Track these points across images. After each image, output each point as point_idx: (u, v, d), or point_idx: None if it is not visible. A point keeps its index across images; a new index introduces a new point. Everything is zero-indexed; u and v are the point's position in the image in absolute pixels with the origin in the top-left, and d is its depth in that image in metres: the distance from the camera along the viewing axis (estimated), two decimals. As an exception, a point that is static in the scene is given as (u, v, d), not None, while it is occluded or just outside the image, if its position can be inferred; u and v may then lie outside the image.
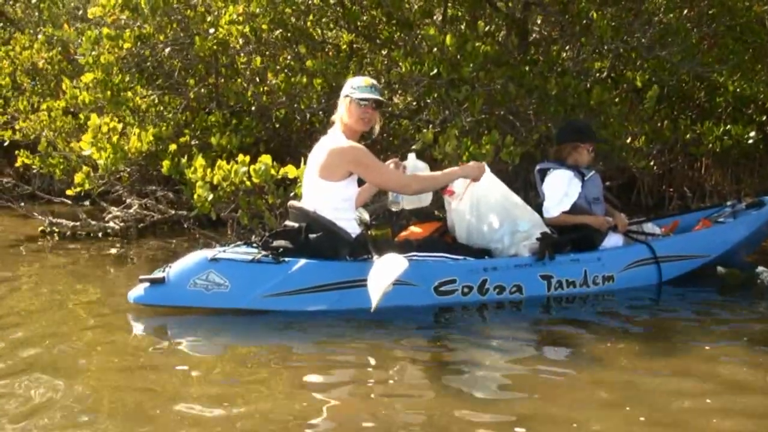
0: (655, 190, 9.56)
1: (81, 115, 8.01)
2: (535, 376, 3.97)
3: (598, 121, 6.74)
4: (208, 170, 6.00)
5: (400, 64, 6.42)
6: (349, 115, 5.05)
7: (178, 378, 3.92)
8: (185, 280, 4.89)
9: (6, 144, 9.85)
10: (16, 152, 8.90)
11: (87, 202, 9.32)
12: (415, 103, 7.69)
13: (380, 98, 5.13)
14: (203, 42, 7.21)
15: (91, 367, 4.07)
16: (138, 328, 4.78)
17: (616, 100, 7.17)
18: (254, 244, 5.17)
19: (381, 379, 3.96)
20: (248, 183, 5.94)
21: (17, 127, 9.22)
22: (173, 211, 8.30)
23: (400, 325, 4.79)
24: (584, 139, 5.85)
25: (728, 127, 7.35)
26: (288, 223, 5.24)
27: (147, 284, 4.96)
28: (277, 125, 8.20)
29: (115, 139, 6.69)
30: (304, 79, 6.55)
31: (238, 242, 5.43)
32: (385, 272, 4.47)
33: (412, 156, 5.41)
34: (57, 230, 8.10)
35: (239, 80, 7.79)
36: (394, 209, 5.46)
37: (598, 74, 7.94)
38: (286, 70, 7.02)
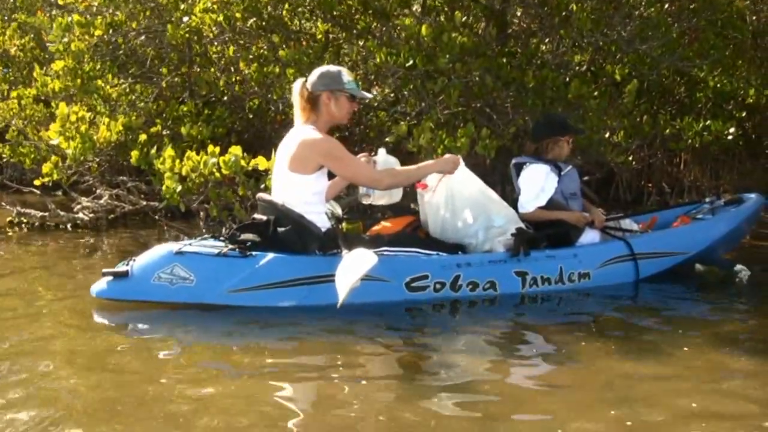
0: (633, 186, 9.48)
1: (53, 104, 7.82)
2: (508, 376, 3.86)
3: (576, 115, 6.63)
4: (177, 161, 5.85)
5: (375, 54, 6.27)
6: (339, 109, 4.95)
7: (140, 377, 3.76)
8: (149, 274, 4.75)
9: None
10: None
11: (60, 192, 9.16)
12: (392, 95, 7.57)
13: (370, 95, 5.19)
14: (175, 30, 7.06)
15: (49, 366, 3.89)
16: (100, 324, 4.63)
17: (595, 93, 7.05)
18: (222, 238, 5.03)
19: (348, 378, 3.82)
20: (218, 174, 5.80)
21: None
22: (145, 203, 8.15)
23: (369, 322, 4.66)
24: (564, 131, 5.75)
25: (708, 122, 7.25)
26: (256, 216, 5.10)
27: (110, 278, 4.81)
28: (251, 116, 8.06)
29: (83, 128, 6.53)
30: (277, 69, 6.40)
31: (206, 235, 5.29)
32: (353, 268, 4.34)
33: (382, 151, 5.30)
34: (25, 221, 7.92)
35: (213, 69, 7.64)
36: (364, 202, 5.35)
37: (577, 68, 7.85)
38: (259, 60, 6.85)
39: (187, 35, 7.17)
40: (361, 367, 4.01)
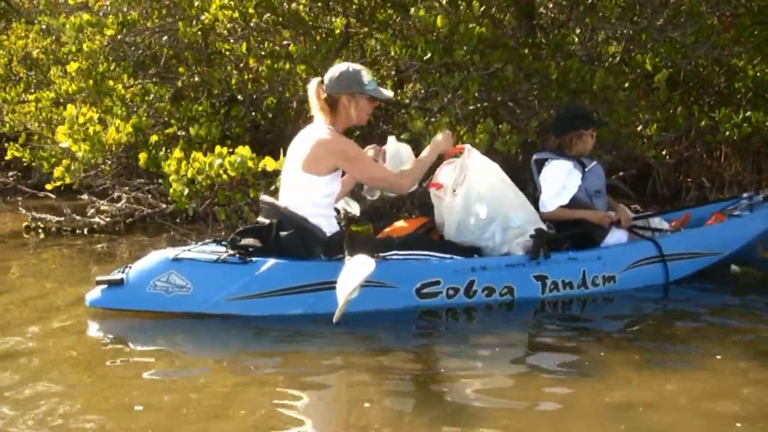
0: (671, 181, 9.05)
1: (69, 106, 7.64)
2: (525, 388, 3.57)
3: (603, 107, 6.28)
4: (184, 163, 5.62)
5: (390, 48, 5.99)
6: (359, 111, 4.71)
7: (135, 391, 3.55)
8: (145, 282, 4.52)
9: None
10: (6, 145, 8.61)
11: (85, 196, 8.99)
12: (422, 91, 7.28)
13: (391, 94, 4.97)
14: (187, 28, 6.83)
15: (41, 378, 3.68)
16: (95, 336, 4.42)
17: (626, 85, 6.68)
18: (224, 243, 4.78)
19: (354, 391, 3.61)
20: (225, 176, 5.56)
21: (7, 119, 8.90)
22: (164, 205, 7.94)
23: (377, 331, 4.40)
24: (588, 124, 5.42)
25: (748, 113, 6.84)
26: (260, 219, 4.85)
27: (105, 286, 4.59)
28: (270, 115, 7.82)
29: (91, 130, 6.33)
30: (287, 66, 6.13)
31: (207, 240, 5.06)
32: (349, 277, 4.06)
33: (392, 139, 4.97)
34: (42, 226, 7.76)
35: (229, 67, 7.42)
36: (370, 198, 5.07)
37: (611, 59, 7.48)
38: (272, 56, 6.60)
39: (199, 32, 6.94)
40: (368, 379, 3.75)
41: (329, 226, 4.65)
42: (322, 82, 4.72)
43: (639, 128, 6.76)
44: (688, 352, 4.04)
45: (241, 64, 7.00)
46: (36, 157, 8.43)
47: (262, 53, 6.65)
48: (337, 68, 4.75)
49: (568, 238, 5.18)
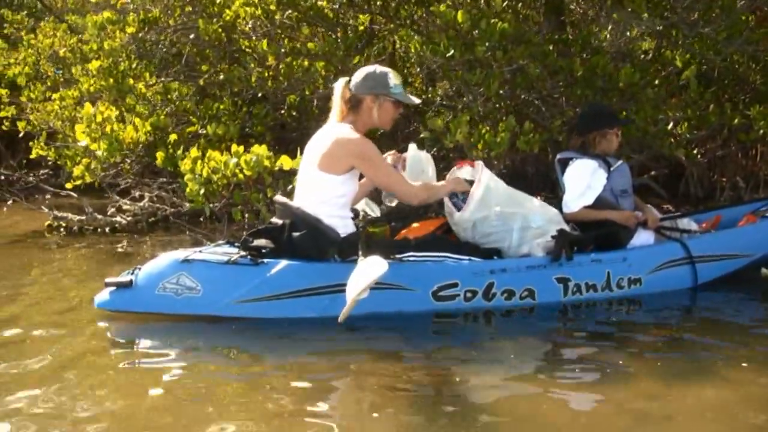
0: (705, 180, 8.80)
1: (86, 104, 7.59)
2: (544, 398, 3.41)
3: (631, 105, 6.09)
4: (199, 162, 5.51)
5: (409, 44, 5.85)
6: (382, 114, 4.60)
7: (143, 397, 3.45)
8: (154, 284, 4.42)
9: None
10: (31, 143, 8.58)
11: (116, 195, 8.93)
12: (453, 90, 7.13)
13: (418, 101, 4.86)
14: (208, 25, 6.74)
15: (49, 382, 3.60)
16: (107, 337, 4.34)
17: (656, 81, 6.47)
18: (237, 244, 4.67)
19: (365, 398, 3.48)
20: (241, 176, 5.45)
21: (32, 117, 8.88)
22: (188, 204, 7.85)
23: (391, 336, 4.27)
24: (613, 123, 5.24)
25: (783, 111, 6.60)
26: (273, 220, 4.74)
27: (113, 288, 4.49)
28: (294, 113, 7.70)
29: (108, 128, 6.25)
30: (306, 63, 6.01)
31: (220, 241, 4.95)
32: (359, 277, 3.92)
33: (413, 146, 4.88)
34: (64, 225, 7.72)
35: (252, 65, 7.31)
36: (388, 203, 4.95)
37: (643, 56, 7.28)
38: (293, 53, 6.47)
39: (220, 30, 6.84)
40: (381, 385, 3.59)
41: (344, 227, 4.53)
42: (349, 82, 4.61)
43: (669, 126, 6.55)
44: (714, 360, 3.84)
45: (263, 62, 6.88)
46: (61, 156, 8.39)
47: (283, 50, 6.52)
48: (365, 69, 4.67)
49: (592, 239, 5.01)
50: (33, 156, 8.66)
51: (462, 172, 4.88)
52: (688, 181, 8.73)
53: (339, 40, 6.33)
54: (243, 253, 4.48)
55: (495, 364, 3.89)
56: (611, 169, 5.12)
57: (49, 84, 9.54)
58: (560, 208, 5.05)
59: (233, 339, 4.24)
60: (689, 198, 8.62)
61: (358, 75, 4.60)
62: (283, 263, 4.39)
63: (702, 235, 5.25)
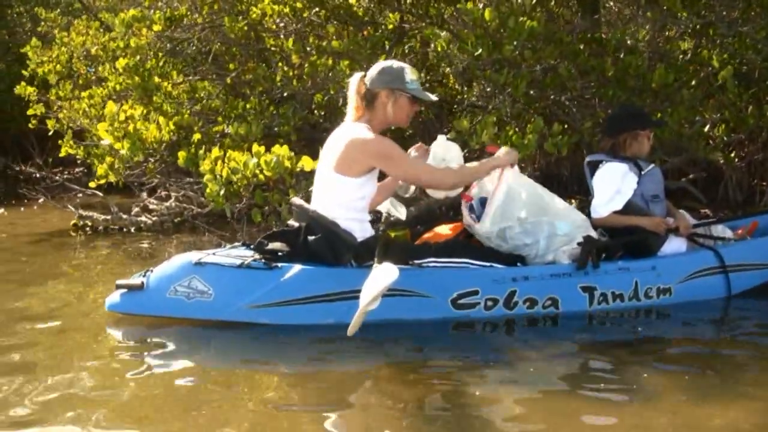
0: (744, 184, 8.53)
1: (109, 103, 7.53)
2: (565, 413, 3.24)
3: (665, 106, 5.88)
4: (220, 163, 5.41)
5: (435, 43, 5.70)
6: (397, 110, 4.43)
7: (151, 406, 3.35)
8: (165, 287, 4.32)
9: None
10: (60, 141, 8.56)
11: (145, 194, 8.88)
12: (488, 89, 6.96)
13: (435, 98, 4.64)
14: (233, 23, 6.64)
15: (56, 385, 3.53)
16: (114, 342, 4.22)
17: (693, 82, 6.25)
18: (252, 247, 4.55)
19: (379, 413, 3.32)
20: (261, 176, 5.33)
21: (60, 116, 8.87)
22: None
23: (407, 344, 4.12)
24: (645, 124, 5.05)
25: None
26: (290, 222, 4.62)
27: (124, 290, 4.40)
28: (323, 112, 7.58)
29: (131, 127, 6.17)
30: (330, 61, 5.87)
31: (236, 243, 4.84)
32: (371, 285, 3.78)
33: (442, 137, 4.69)
34: (89, 224, 7.67)
35: (281, 63, 7.20)
36: (403, 195, 4.79)
37: (682, 56, 7.05)
38: (318, 52, 6.34)
39: (246, 28, 6.74)
40: (396, 397, 3.44)
41: (362, 230, 4.39)
42: (364, 77, 4.47)
43: (706, 128, 6.32)
44: (747, 377, 3.64)
45: (288, 61, 6.77)
46: (90, 154, 8.35)
47: (308, 48, 6.39)
48: (381, 64, 4.54)
49: (621, 246, 4.82)
50: (62, 154, 8.63)
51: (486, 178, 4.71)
52: (727, 185, 8.48)
53: (365, 39, 6.18)
54: (257, 256, 4.36)
55: (514, 378, 3.72)
56: (642, 172, 4.93)
57: (81, 82, 9.53)
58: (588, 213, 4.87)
59: (245, 345, 4.13)
60: (728, 202, 8.36)
61: (374, 69, 4.46)
62: (297, 268, 4.27)
63: (736, 242, 5.03)
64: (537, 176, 7.85)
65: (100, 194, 7.85)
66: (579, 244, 4.55)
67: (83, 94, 8.36)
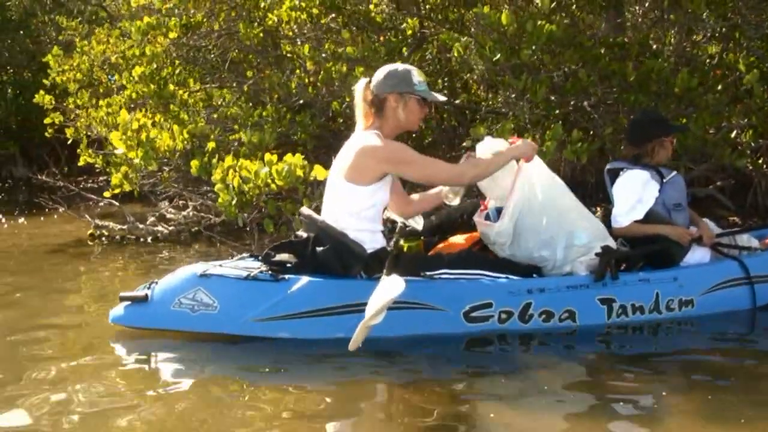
0: (775, 192, 8.30)
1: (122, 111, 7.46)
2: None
3: (689, 112, 5.70)
4: (231, 172, 5.30)
5: (453, 49, 5.57)
6: (408, 113, 4.27)
7: (151, 423, 3.25)
8: (170, 299, 4.22)
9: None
10: (78, 150, 8.51)
11: (165, 204, 8.81)
12: (513, 96, 6.81)
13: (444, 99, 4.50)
14: (248, 29, 6.54)
15: (52, 402, 3.43)
16: (117, 357, 4.12)
17: (719, 87, 6.05)
18: (259, 258, 4.44)
19: (388, 428, 3.23)
20: (273, 186, 5.22)
21: (78, 124, 8.83)
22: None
23: (417, 359, 3.98)
24: (669, 130, 4.88)
25: None
26: (299, 233, 4.49)
27: (128, 302, 4.30)
28: (341, 119, 7.46)
29: (144, 136, 6.09)
30: (344, 68, 5.75)
31: (244, 254, 4.72)
32: (374, 299, 3.65)
33: (488, 138, 4.52)
34: (106, 233, 7.61)
35: (298, 70, 7.09)
36: (448, 203, 4.62)
37: (708, 60, 6.86)
38: (333, 58, 6.22)
39: (261, 35, 6.64)
40: (400, 419, 3.33)
41: (372, 241, 4.25)
42: (370, 82, 4.33)
43: (733, 134, 6.12)
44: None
45: (303, 68, 6.66)
46: (109, 163, 8.29)
47: (323, 55, 6.27)
48: (386, 68, 4.36)
49: (641, 256, 4.65)
50: (81, 163, 8.58)
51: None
52: (756, 192, 8.25)
53: (380, 45, 6.05)
54: (264, 267, 4.24)
55: (528, 393, 3.56)
56: (664, 180, 4.76)
57: (101, 91, 9.49)
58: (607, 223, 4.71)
59: (251, 359, 4.02)
60: (757, 210, 8.12)
61: (379, 74, 4.30)
62: (305, 279, 4.14)
63: (762, 252, 4.83)
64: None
65: (117, 203, 7.77)
66: (597, 254, 4.39)
67: (101, 102, 8.31)
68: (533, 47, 5.30)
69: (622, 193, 4.76)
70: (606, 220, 4.84)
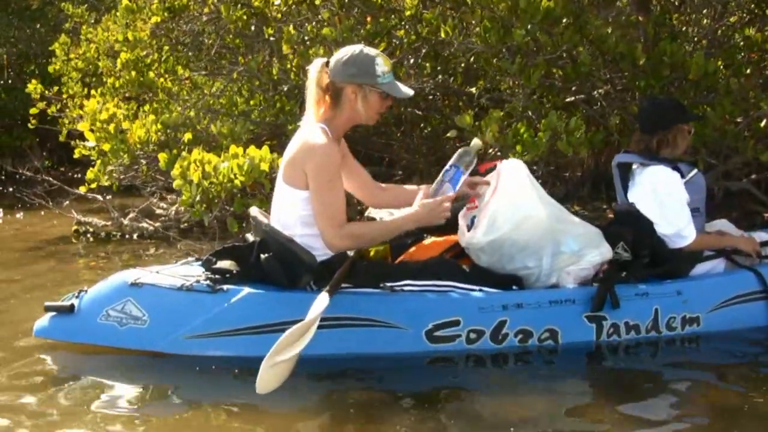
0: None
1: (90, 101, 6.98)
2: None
3: (708, 99, 5.06)
4: (193, 167, 4.81)
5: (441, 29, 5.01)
6: (367, 108, 3.69)
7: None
8: (97, 311, 3.73)
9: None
10: (73, 142, 8.10)
11: (156, 198, 8.36)
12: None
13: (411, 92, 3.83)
14: (230, 11, 6.03)
15: None
16: (41, 376, 3.64)
17: (746, 71, 5.40)
18: (202, 263, 3.92)
19: None
20: (237, 181, 4.72)
21: (74, 115, 8.41)
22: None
23: (375, 384, 3.52)
24: (688, 116, 4.25)
25: None
26: (247, 236, 3.98)
27: (54, 313, 3.82)
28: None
29: (112, 127, 5.63)
30: (322, 51, 5.20)
31: (189, 259, 4.23)
32: (286, 336, 3.14)
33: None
34: (90, 230, 7.19)
35: (291, 56, 6.56)
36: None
37: (742, 43, 6.20)
38: (310, 42, 5.68)
39: (245, 17, 6.12)
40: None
41: (324, 248, 3.67)
42: (327, 64, 3.77)
43: (762, 124, 5.46)
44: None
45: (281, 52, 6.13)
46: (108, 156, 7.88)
47: (305, 37, 5.73)
48: (348, 50, 3.73)
49: (644, 267, 4.02)
50: (76, 156, 8.17)
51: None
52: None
53: (365, 27, 5.47)
54: (202, 277, 3.73)
55: (498, 425, 3.05)
56: (684, 179, 4.11)
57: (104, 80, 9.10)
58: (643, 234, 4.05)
59: (187, 378, 3.54)
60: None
61: (339, 57, 3.69)
62: (245, 291, 3.63)
63: (784, 260, 4.20)
64: (576, 181, 7.09)
65: (100, 197, 7.34)
66: (596, 282, 3.80)
67: (93, 92, 7.88)
68: (528, 27, 4.71)
69: (671, 202, 4.03)
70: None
